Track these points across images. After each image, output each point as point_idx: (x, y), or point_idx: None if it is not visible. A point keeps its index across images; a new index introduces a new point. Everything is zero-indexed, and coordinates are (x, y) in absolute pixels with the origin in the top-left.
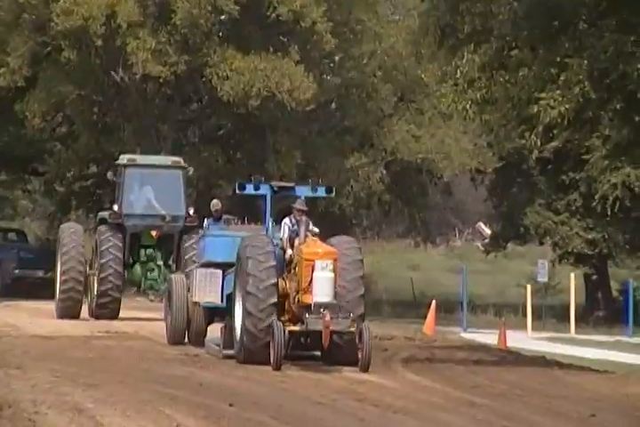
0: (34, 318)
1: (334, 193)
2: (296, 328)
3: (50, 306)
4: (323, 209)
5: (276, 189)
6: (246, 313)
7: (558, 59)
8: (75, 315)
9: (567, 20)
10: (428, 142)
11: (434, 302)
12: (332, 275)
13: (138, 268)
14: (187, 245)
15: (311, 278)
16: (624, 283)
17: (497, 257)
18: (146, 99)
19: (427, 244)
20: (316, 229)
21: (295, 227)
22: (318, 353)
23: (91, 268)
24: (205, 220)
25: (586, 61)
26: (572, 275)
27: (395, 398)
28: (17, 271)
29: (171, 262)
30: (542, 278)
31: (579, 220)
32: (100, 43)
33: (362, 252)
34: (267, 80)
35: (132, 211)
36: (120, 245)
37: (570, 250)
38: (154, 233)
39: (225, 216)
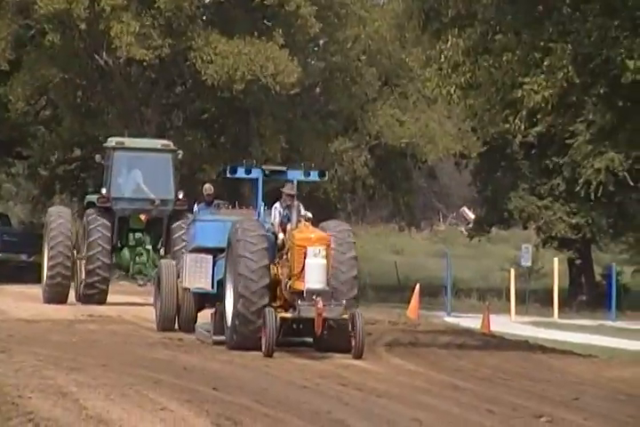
0: (18, 302)
1: (327, 177)
2: (288, 315)
3: (34, 290)
4: (307, 193)
5: (267, 172)
6: (238, 296)
7: (542, 43)
8: (62, 300)
9: (551, 4)
10: (412, 127)
11: (418, 286)
12: (325, 261)
13: (126, 252)
14: (174, 225)
15: (303, 265)
16: (607, 267)
17: (481, 241)
18: (130, 82)
19: (411, 228)
20: (309, 214)
21: (286, 212)
22: (310, 340)
23: (78, 252)
24: (196, 204)
25: (570, 46)
26: (556, 259)
27: (378, 382)
28: (0, 255)
29: (159, 247)
30: (526, 263)
31: (562, 204)
32: (83, 26)
33: (353, 235)
34: (251, 64)
35: (120, 194)
36: (108, 224)
37: (553, 234)
38: (143, 217)
39: (216, 201)
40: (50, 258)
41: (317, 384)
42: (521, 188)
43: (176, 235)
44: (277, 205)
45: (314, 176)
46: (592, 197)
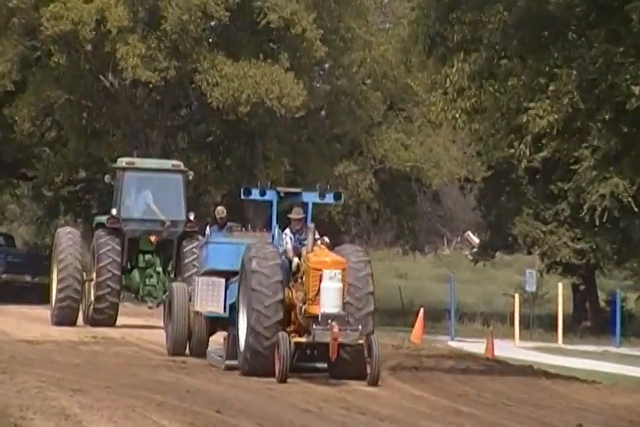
0: (21, 322)
1: (342, 200)
2: (302, 340)
3: (37, 311)
4: (312, 217)
5: (282, 194)
6: (251, 330)
7: (547, 68)
8: (71, 322)
9: (557, 29)
10: (417, 151)
11: (422, 310)
12: (341, 285)
13: (136, 274)
14: (185, 250)
15: (319, 288)
16: (611, 293)
17: (485, 266)
18: (135, 104)
19: (415, 252)
20: (327, 239)
21: (297, 236)
22: (324, 365)
23: (87, 273)
24: (208, 227)
25: (575, 71)
26: (560, 285)
27: (381, 407)
28: (4, 276)
29: (170, 269)
30: (530, 288)
31: (567, 230)
32: (89, 47)
33: (371, 264)
34: (256, 87)
35: (130, 215)
36: (118, 248)
37: (558, 260)
38: (153, 238)
39: (229, 223)
40: (59, 280)
41: (320, 408)
42: (525, 213)
43: (187, 260)
44: (287, 231)
45: (329, 198)
46: (597, 222)
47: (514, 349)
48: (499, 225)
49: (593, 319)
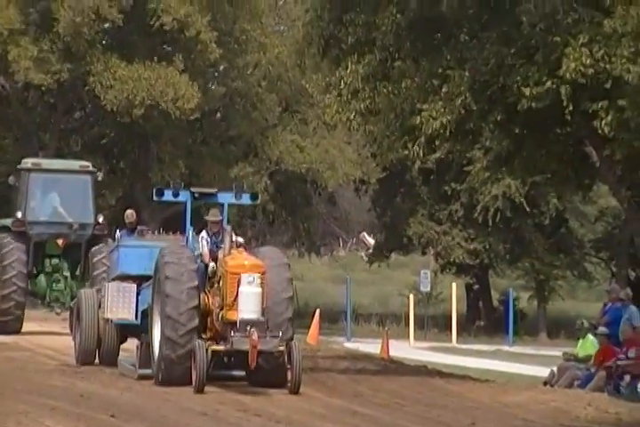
0: None
1: (259, 200)
2: (220, 348)
3: None
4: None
5: (196, 195)
6: (165, 338)
7: (440, 70)
8: None
9: (449, 31)
10: (312, 152)
11: (317, 311)
12: (260, 289)
13: (42, 279)
14: (95, 260)
15: (237, 293)
16: (504, 293)
17: (380, 267)
18: (28, 107)
19: (311, 254)
20: (241, 239)
21: (214, 239)
22: (241, 373)
23: None
24: (118, 231)
25: (467, 73)
26: (454, 285)
27: (277, 408)
28: None
29: (78, 273)
30: (425, 288)
31: (460, 230)
32: None
33: (290, 268)
34: (151, 89)
35: (36, 218)
36: (24, 258)
37: (452, 260)
38: (60, 242)
39: (139, 227)
40: None
41: (217, 411)
42: (420, 213)
43: (96, 258)
44: (204, 233)
45: (245, 199)
46: (489, 222)
47: (409, 349)
48: (393, 226)
49: (486, 319)
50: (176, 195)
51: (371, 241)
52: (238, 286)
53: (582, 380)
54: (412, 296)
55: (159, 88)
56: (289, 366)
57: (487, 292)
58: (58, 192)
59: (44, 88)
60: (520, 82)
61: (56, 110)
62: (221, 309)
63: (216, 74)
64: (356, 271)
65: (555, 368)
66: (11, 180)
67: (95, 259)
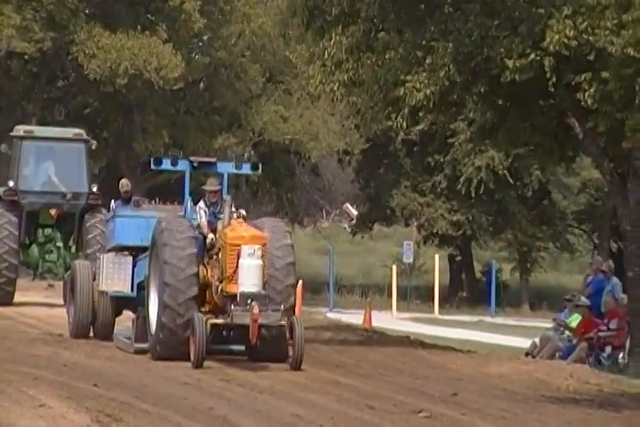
0: None
1: (260, 170)
2: (219, 321)
3: None
4: (192, 189)
5: (195, 164)
6: (163, 307)
7: (424, 42)
8: None
9: (433, 3)
10: (296, 123)
11: (300, 282)
12: (261, 262)
13: (35, 249)
14: (89, 224)
15: (237, 266)
16: (487, 264)
17: (363, 238)
18: (10, 76)
19: (294, 225)
20: (243, 211)
21: (212, 210)
22: (240, 348)
23: None
24: (113, 201)
25: (451, 45)
26: (437, 256)
27: (260, 379)
28: None
29: (71, 244)
30: (408, 260)
31: (443, 202)
32: None
33: (292, 236)
34: (134, 58)
35: (29, 187)
36: (15, 220)
37: (435, 231)
38: (53, 212)
39: (134, 197)
40: None
41: (199, 380)
42: (403, 185)
43: (90, 235)
44: (201, 204)
45: (246, 169)
46: (472, 194)
47: (391, 320)
48: (377, 197)
49: (469, 290)
50: (174, 164)
51: (354, 212)
52: (238, 259)
53: (564, 351)
54: (394, 267)
55: (143, 57)
56: (290, 342)
57: (470, 263)
58: (51, 161)
59: (26, 57)
60: (504, 54)
61: (39, 79)
62: (221, 281)
63: (200, 44)
64: (339, 242)
65: (537, 340)
66: (3, 148)
67: (88, 224)
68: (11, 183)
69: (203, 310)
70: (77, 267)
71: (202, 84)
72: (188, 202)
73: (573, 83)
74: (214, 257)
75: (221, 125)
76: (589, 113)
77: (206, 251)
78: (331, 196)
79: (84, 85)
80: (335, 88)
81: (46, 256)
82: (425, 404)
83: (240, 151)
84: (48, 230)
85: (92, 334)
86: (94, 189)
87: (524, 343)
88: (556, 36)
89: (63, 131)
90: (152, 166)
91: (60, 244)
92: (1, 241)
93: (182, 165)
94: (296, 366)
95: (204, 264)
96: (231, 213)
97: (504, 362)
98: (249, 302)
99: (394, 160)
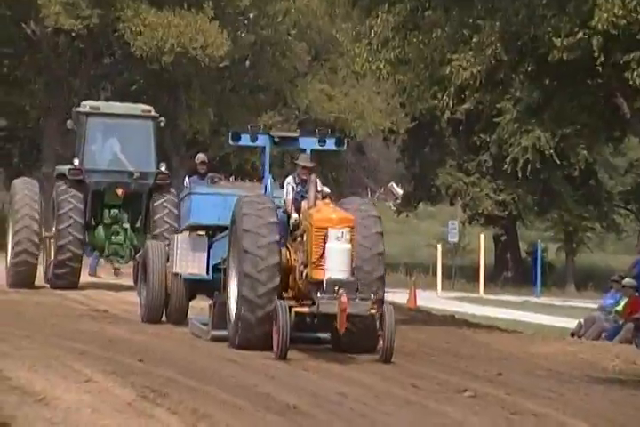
0: None
1: (345, 146)
2: (305, 310)
3: None
4: (236, 167)
5: (276, 139)
6: (242, 298)
7: (471, 20)
8: (29, 282)
9: None
10: (341, 102)
11: None
12: (349, 246)
13: (101, 230)
14: (156, 204)
15: (323, 250)
16: (533, 244)
17: (408, 217)
18: (57, 52)
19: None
20: (327, 190)
21: (300, 187)
22: (326, 335)
23: (47, 229)
24: (186, 177)
25: (498, 23)
26: (482, 236)
27: (306, 358)
28: None
29: (138, 225)
30: (453, 239)
31: (489, 181)
32: None
33: (381, 221)
34: (180, 36)
35: (94, 166)
36: (81, 207)
37: (480, 211)
38: (120, 191)
39: (210, 174)
40: (14, 233)
41: (244, 358)
42: (448, 164)
43: (158, 215)
44: (290, 179)
45: (330, 144)
46: (519, 174)
47: (436, 299)
48: (422, 176)
49: (514, 270)
50: (254, 139)
51: (399, 191)
52: (325, 242)
53: (610, 332)
54: (439, 247)
55: (188, 35)
56: (380, 332)
57: (515, 243)
58: (118, 138)
59: (73, 33)
60: (551, 33)
61: (86, 56)
62: (305, 266)
63: (246, 22)
64: (384, 221)
65: (582, 320)
66: (69, 124)
67: (156, 204)
68: (76, 161)
69: (285, 296)
70: (150, 247)
71: (247, 62)
72: (269, 179)
73: (621, 62)
74: (298, 239)
75: (266, 104)
76: (637, 93)
77: (290, 233)
78: (376, 175)
79: (131, 63)
80: (381, 66)
81: (112, 238)
82: (469, 383)
83: (285, 129)
84: (114, 211)
85: (164, 318)
86: (163, 169)
87: (570, 324)
88: (605, 15)
89: (131, 107)
90: (230, 141)
91: (126, 225)
92: (65, 215)
93: (262, 141)
94: (386, 359)
95: (286, 247)
96: (317, 192)
97: (549, 342)
98: (336, 289)
99: (439, 139)
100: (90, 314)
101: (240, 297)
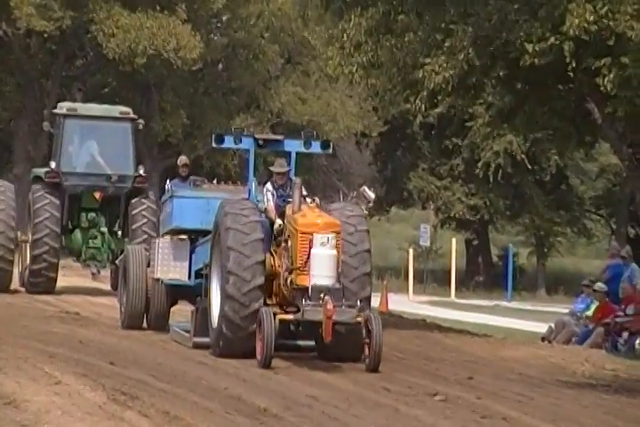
0: None
1: (331, 149)
2: (289, 317)
3: None
4: (208, 169)
5: (260, 142)
6: (226, 297)
7: (443, 24)
8: (4, 287)
9: None
10: (314, 105)
11: None
12: (335, 252)
13: (78, 234)
14: (135, 213)
15: (308, 256)
16: (504, 249)
17: (380, 221)
18: (29, 54)
19: None
20: (317, 199)
21: (280, 192)
22: (311, 343)
23: (23, 232)
24: (168, 180)
25: (470, 28)
26: (454, 240)
27: (276, 359)
28: None
29: (116, 229)
30: (424, 243)
31: (461, 185)
32: None
33: (367, 221)
34: (153, 38)
35: (71, 169)
36: (57, 215)
37: (452, 215)
38: (97, 195)
39: (192, 177)
40: None
41: (215, 360)
42: (421, 168)
43: (136, 225)
44: (269, 185)
45: (315, 147)
46: (490, 178)
47: (408, 302)
48: (394, 180)
49: (485, 274)
50: (238, 141)
51: (371, 195)
52: (310, 248)
53: (580, 336)
54: (411, 250)
55: (161, 37)
56: (366, 340)
57: (487, 247)
58: (95, 140)
59: (45, 35)
60: (523, 37)
61: (58, 58)
62: (290, 272)
63: (219, 24)
64: None
65: (553, 324)
66: (45, 125)
67: (135, 212)
68: (52, 164)
69: (269, 302)
70: (130, 252)
71: (220, 65)
72: (253, 183)
73: (593, 67)
74: (282, 245)
75: (239, 106)
76: (608, 98)
77: (274, 238)
78: (348, 178)
79: (103, 64)
80: (354, 70)
81: (90, 242)
82: (440, 387)
83: (257, 132)
84: (92, 214)
85: (145, 324)
86: (141, 172)
87: (541, 328)
88: (576, 21)
89: (109, 109)
90: (214, 144)
91: (104, 229)
92: (41, 224)
93: (246, 143)
94: (373, 368)
95: (270, 252)
96: (301, 196)
97: (520, 346)
98: (322, 296)
99: (411, 143)
100: (60, 316)
101: (223, 296)
